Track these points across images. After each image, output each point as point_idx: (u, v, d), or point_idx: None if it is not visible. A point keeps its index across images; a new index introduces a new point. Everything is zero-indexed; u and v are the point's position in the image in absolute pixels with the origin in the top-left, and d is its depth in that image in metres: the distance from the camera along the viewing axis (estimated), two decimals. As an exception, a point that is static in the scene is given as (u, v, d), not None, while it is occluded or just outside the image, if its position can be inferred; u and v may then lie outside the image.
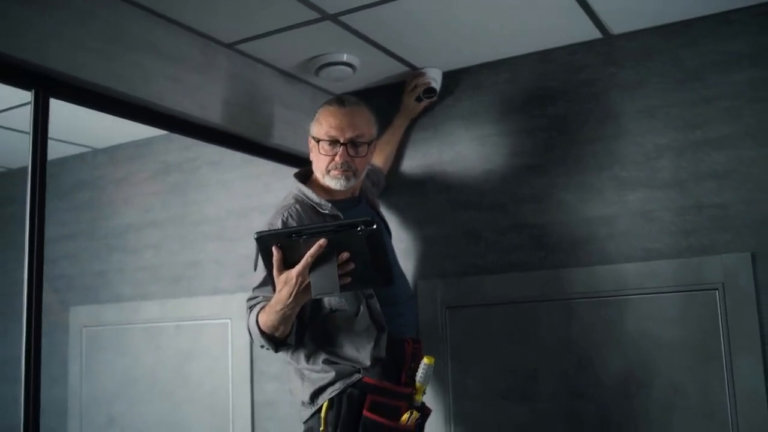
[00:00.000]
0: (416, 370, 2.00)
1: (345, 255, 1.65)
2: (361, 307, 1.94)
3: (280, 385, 2.76)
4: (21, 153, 3.54)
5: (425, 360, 2.00)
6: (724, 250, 2.07)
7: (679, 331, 2.11)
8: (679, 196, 2.16)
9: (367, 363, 1.92)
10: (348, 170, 2.00)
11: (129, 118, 2.05)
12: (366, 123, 2.04)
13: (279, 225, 1.91)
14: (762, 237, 2.04)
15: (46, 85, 1.76)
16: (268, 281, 1.83)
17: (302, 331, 1.92)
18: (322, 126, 2.01)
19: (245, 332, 2.84)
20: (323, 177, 2.02)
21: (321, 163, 2.02)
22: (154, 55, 2.00)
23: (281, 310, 1.73)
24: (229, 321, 2.96)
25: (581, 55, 2.35)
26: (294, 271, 1.66)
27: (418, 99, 2.53)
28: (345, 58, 2.36)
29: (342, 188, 2.02)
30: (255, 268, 1.97)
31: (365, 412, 1.88)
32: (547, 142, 2.38)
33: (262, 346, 1.88)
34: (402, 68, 2.51)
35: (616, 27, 2.25)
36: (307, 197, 2.01)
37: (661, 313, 2.14)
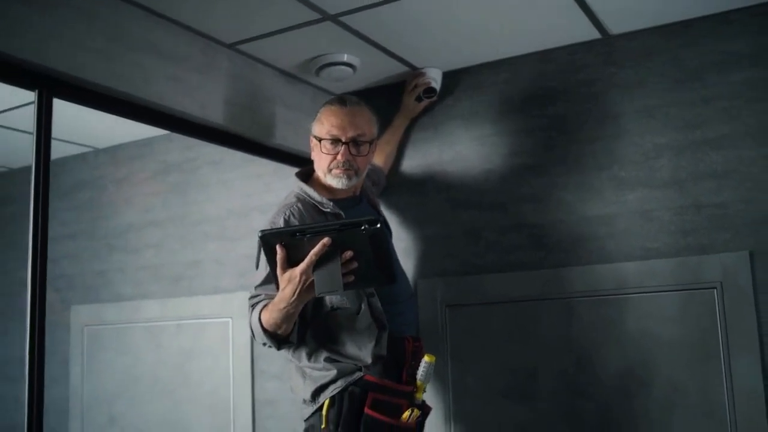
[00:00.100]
0: (417, 369, 2.01)
1: (348, 254, 1.65)
2: (363, 306, 1.95)
3: (280, 384, 2.77)
4: (22, 153, 3.55)
5: (426, 358, 2.01)
6: (723, 249, 2.08)
7: (678, 330, 2.12)
8: (678, 196, 2.17)
9: (369, 361, 1.92)
10: (350, 169, 2.01)
11: (131, 118, 2.06)
12: (367, 122, 2.05)
13: (281, 223, 1.92)
14: (760, 236, 2.04)
15: (49, 85, 1.77)
16: (270, 279, 1.83)
17: (304, 329, 1.93)
18: (324, 125, 2.03)
19: (246, 331, 2.85)
20: (325, 176, 2.03)
21: (323, 162, 2.03)
22: (155, 55, 2.01)
23: (284, 308, 1.74)
24: (229, 320, 2.97)
25: (581, 55, 2.36)
26: (298, 270, 1.67)
27: (418, 99, 2.54)
28: (345, 58, 2.37)
29: (343, 187, 2.03)
30: (257, 267, 1.98)
31: (366, 410, 1.89)
32: (546, 141, 2.39)
33: (264, 344, 1.89)
34: (402, 68, 2.52)
35: (616, 27, 2.25)
36: (309, 196, 2.02)
37: (660, 311, 2.15)
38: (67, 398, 3.39)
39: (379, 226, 1.63)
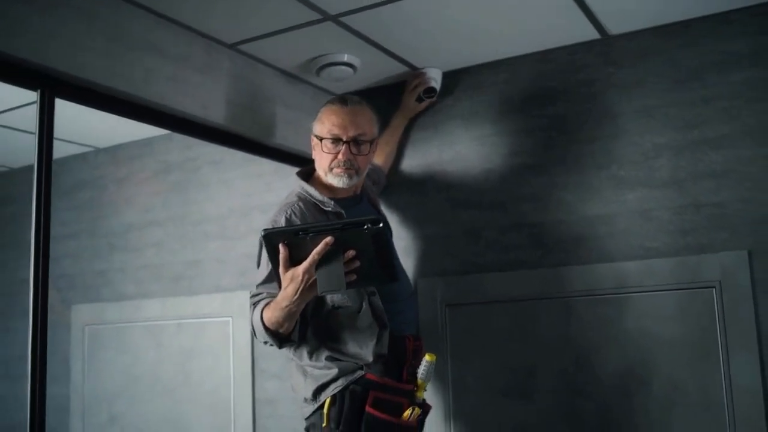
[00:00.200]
0: (417, 367, 2.02)
1: (351, 253, 1.66)
2: (364, 304, 1.96)
3: (281, 383, 2.78)
4: (23, 152, 3.57)
5: (427, 357, 2.01)
6: (722, 249, 2.09)
7: (677, 329, 2.13)
8: (677, 195, 2.17)
9: (370, 359, 1.93)
10: (350, 168, 2.02)
11: (132, 118, 2.07)
12: (368, 122, 2.06)
13: (282, 222, 1.93)
14: (759, 235, 2.05)
15: (51, 85, 1.77)
16: (272, 278, 1.84)
17: (305, 327, 1.94)
18: (325, 124, 2.03)
19: (246, 330, 2.88)
20: (326, 175, 2.04)
21: (324, 161, 2.04)
22: (156, 55, 2.02)
23: (287, 306, 1.75)
24: (230, 319, 2.98)
25: (580, 55, 2.36)
26: (300, 268, 1.68)
27: (419, 99, 2.55)
28: (346, 58, 2.38)
29: (344, 186, 2.04)
30: (258, 265, 1.99)
31: (368, 409, 1.89)
32: (546, 141, 2.40)
33: (265, 342, 1.90)
34: (402, 68, 2.53)
35: (615, 27, 2.26)
36: (310, 195, 2.03)
37: (659, 311, 2.16)
38: (67, 397, 3.40)
39: (381, 225, 1.64)
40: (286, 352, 2.03)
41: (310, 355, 1.97)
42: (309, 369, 1.97)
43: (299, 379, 2.01)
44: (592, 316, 2.25)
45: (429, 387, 2.12)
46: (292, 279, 1.70)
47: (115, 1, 1.91)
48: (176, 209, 3.20)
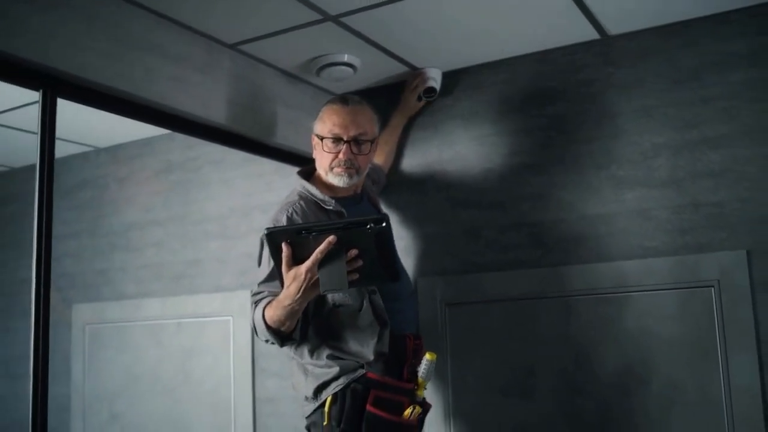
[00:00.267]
0: (417, 366, 2.03)
1: (353, 252, 1.67)
2: (364, 303, 1.97)
3: (281, 382, 2.79)
4: (23, 152, 3.57)
5: (427, 356, 2.02)
6: (720, 248, 2.10)
7: (676, 328, 2.14)
8: (675, 195, 2.18)
9: (371, 358, 1.94)
10: (351, 167, 2.03)
11: (134, 118, 2.07)
12: (369, 121, 2.07)
13: (284, 221, 1.94)
14: (757, 235, 2.06)
15: (53, 85, 1.78)
16: (273, 276, 1.85)
17: (306, 326, 1.94)
18: (326, 124, 2.04)
19: (247, 329, 2.88)
20: (326, 174, 2.05)
21: (324, 160, 2.05)
22: (158, 55, 2.02)
23: (289, 305, 1.76)
24: (230, 318, 2.99)
25: (579, 55, 2.37)
26: (303, 267, 1.69)
27: (419, 99, 2.56)
28: (346, 58, 2.39)
29: (345, 185, 2.05)
30: (259, 264, 1.99)
31: (369, 407, 1.90)
32: (545, 141, 2.41)
33: (266, 341, 1.90)
34: (402, 68, 2.54)
35: (614, 28, 2.27)
36: (311, 194, 2.04)
37: (658, 310, 2.17)
38: (68, 396, 3.41)
39: (384, 225, 1.65)
40: (287, 351, 2.04)
41: (311, 353, 1.98)
42: (310, 367, 1.98)
43: (300, 377, 2.01)
44: (591, 315, 2.26)
45: (429, 386, 2.13)
46: (294, 278, 1.70)
47: (116, 0, 1.92)
48: (177, 209, 3.21)
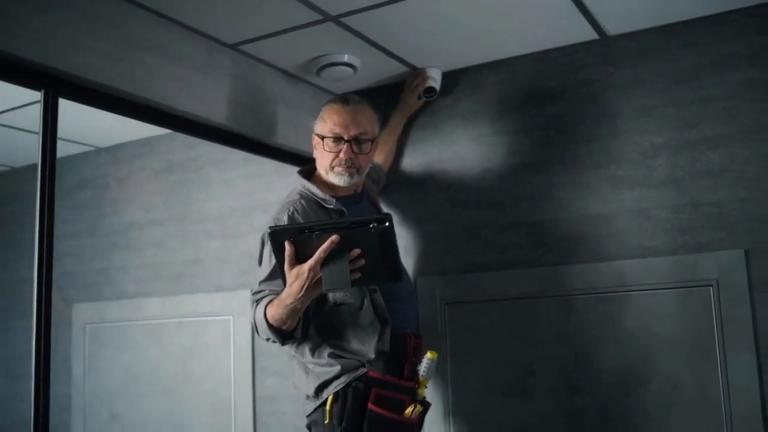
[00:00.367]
0: (418, 365, 2.03)
1: (356, 251, 1.68)
2: (365, 301, 1.97)
3: (281, 381, 2.79)
4: (24, 152, 3.57)
5: (429, 355, 2.03)
6: (719, 248, 2.11)
7: (675, 327, 2.14)
8: (675, 195, 2.19)
9: (372, 356, 1.95)
10: (352, 167, 2.04)
11: (135, 118, 2.08)
12: (369, 121, 2.08)
13: (285, 219, 1.94)
14: (756, 235, 2.07)
15: (54, 85, 1.79)
16: (275, 275, 1.86)
17: (307, 324, 1.95)
18: (327, 124, 2.05)
19: (247, 328, 2.89)
20: (327, 173, 2.06)
21: (325, 160, 2.05)
22: (159, 56, 2.03)
23: (291, 303, 1.76)
24: (230, 318, 2.99)
25: (579, 55, 2.38)
26: (306, 266, 1.69)
27: (418, 98, 2.56)
28: (346, 58, 2.39)
29: (345, 184, 2.06)
30: (260, 263, 2.00)
31: (370, 406, 1.91)
32: (545, 141, 2.41)
33: (267, 339, 1.91)
34: (402, 68, 2.54)
35: (613, 28, 2.28)
36: (312, 193, 2.05)
37: (657, 309, 2.17)
38: (69, 395, 3.41)
39: (387, 224, 1.66)
40: (288, 350, 2.04)
41: (312, 352, 1.98)
42: (311, 366, 1.99)
43: (301, 376, 2.02)
44: (590, 315, 2.27)
45: (429, 385, 2.14)
46: (297, 276, 1.71)
47: (116, 0, 1.93)
48: (177, 208, 3.21)
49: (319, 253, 1.67)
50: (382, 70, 2.54)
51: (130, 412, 3.26)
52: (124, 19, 1.94)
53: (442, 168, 2.58)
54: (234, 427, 2.93)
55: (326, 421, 1.91)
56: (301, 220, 1.93)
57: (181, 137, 3.07)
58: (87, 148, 3.52)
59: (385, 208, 2.47)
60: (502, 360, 2.39)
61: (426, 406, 2.10)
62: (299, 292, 1.73)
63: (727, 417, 2.03)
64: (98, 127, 3.19)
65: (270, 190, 2.91)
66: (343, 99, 2.10)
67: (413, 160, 2.65)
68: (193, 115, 2.15)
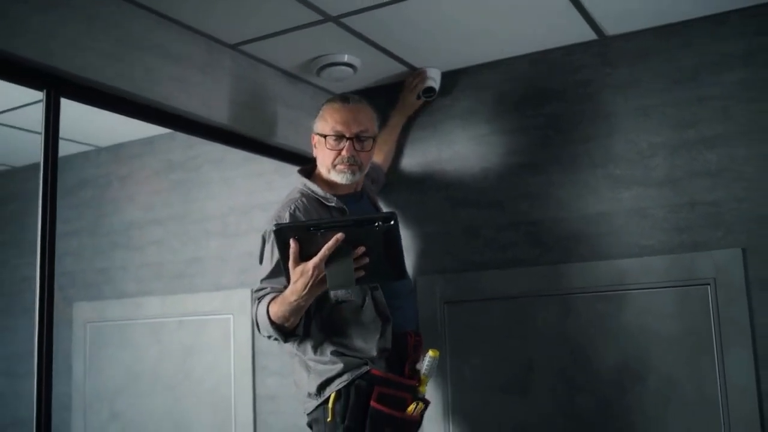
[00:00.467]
0: (418, 363, 2.04)
1: (361, 249, 1.68)
2: (367, 299, 1.98)
3: (281, 380, 2.80)
4: (24, 152, 3.57)
5: (430, 353, 2.04)
6: (717, 247, 2.12)
7: (673, 326, 2.15)
8: (672, 194, 2.20)
9: (374, 354, 1.95)
10: (354, 164, 2.05)
11: (136, 118, 2.09)
12: (369, 119, 2.09)
13: (287, 217, 1.95)
14: (753, 233, 2.08)
15: (56, 85, 1.80)
16: (277, 273, 1.86)
17: (308, 322, 1.95)
18: (328, 122, 2.06)
19: (247, 327, 2.89)
20: (329, 172, 2.07)
21: (327, 158, 2.06)
22: (159, 56, 2.04)
23: (295, 301, 1.77)
24: (231, 317, 3.00)
25: (577, 55, 2.39)
26: (310, 264, 1.70)
27: (417, 98, 2.57)
28: (346, 58, 2.40)
29: (348, 182, 2.07)
30: (260, 261, 2.01)
31: (373, 403, 1.91)
32: (543, 140, 2.42)
33: (269, 337, 1.91)
34: (402, 68, 2.55)
35: (612, 28, 2.28)
36: (313, 191, 2.06)
37: (655, 307, 2.18)
38: (69, 394, 3.42)
39: (392, 223, 1.66)
40: (289, 348, 2.04)
41: (315, 349, 1.98)
42: (313, 364, 1.98)
43: (302, 374, 2.02)
44: (589, 313, 2.28)
45: (428, 382, 2.15)
46: (302, 274, 1.72)
47: (116, 0, 1.93)
48: (177, 207, 3.22)
49: (324, 250, 1.67)
50: (382, 70, 2.55)
51: (131, 410, 3.26)
52: (124, 19, 1.95)
53: (441, 168, 2.59)
54: (234, 426, 2.93)
55: (328, 419, 1.91)
56: (303, 218, 1.94)
57: (181, 137, 3.08)
58: (88, 148, 3.52)
59: (384, 208, 2.48)
60: (502, 358, 2.40)
61: (426, 404, 2.11)
62: (303, 290, 1.73)
63: (724, 414, 2.05)
64: (99, 126, 3.19)
65: (270, 190, 2.92)
66: (344, 98, 2.12)
67: (412, 160, 2.66)
68: (193, 114, 2.16)
